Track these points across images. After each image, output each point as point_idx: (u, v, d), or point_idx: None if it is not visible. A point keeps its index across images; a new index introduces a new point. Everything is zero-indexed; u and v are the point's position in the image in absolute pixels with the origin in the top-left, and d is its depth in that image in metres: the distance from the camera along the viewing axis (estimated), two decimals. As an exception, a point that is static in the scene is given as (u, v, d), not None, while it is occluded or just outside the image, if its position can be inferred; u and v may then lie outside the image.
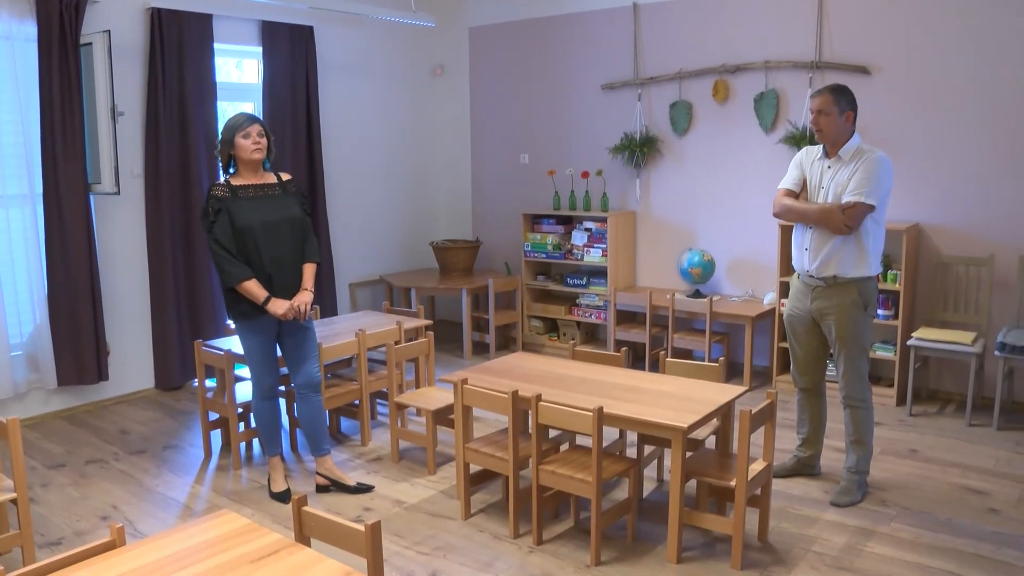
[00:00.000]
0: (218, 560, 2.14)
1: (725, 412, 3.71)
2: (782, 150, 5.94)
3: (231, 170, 4.00)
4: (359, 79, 7.20)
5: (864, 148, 3.87)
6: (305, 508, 2.37)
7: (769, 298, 6.06)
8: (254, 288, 3.85)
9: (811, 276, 3.99)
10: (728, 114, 6.22)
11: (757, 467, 3.48)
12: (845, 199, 3.79)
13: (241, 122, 3.90)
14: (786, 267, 5.81)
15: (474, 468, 3.91)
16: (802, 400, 4.27)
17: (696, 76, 6.29)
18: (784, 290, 5.78)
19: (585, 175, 6.86)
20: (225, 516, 2.43)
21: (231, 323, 4.25)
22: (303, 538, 2.38)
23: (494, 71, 7.54)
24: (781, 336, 5.85)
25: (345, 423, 5.22)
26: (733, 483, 3.36)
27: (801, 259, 4.03)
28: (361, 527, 2.18)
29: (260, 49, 6.32)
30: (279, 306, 3.89)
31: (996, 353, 4.93)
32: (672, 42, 6.41)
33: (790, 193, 4.05)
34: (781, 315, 5.76)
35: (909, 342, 5.21)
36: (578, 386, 3.77)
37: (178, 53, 5.70)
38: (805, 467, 4.31)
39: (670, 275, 6.67)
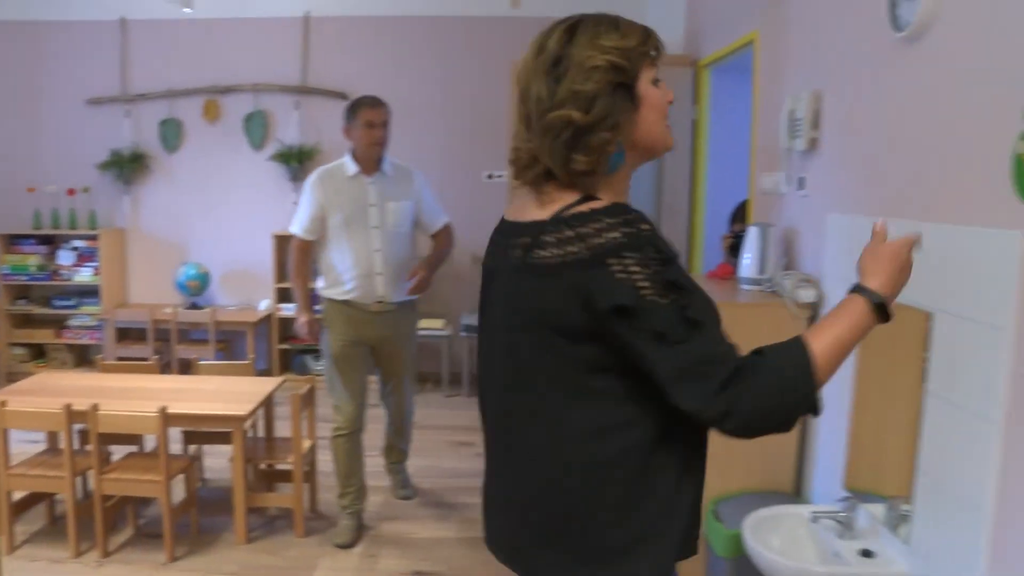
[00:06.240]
0: None
1: (267, 402, 4.09)
2: (272, 166, 6.46)
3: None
4: None
5: (396, 162, 3.78)
6: None
7: (264, 304, 6.52)
8: None
9: (382, 303, 3.71)
10: (219, 132, 6.52)
11: (305, 446, 3.94)
12: (441, 221, 3.92)
13: None
14: (281, 275, 6.33)
15: (17, 495, 3.68)
16: (352, 445, 3.79)
17: (187, 95, 6.46)
18: (279, 296, 6.27)
19: (71, 192, 6.53)
20: None
21: None
22: None
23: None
24: (279, 338, 6.39)
25: None
26: (290, 462, 3.78)
27: (371, 286, 3.66)
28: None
29: None
30: None
31: (461, 334, 6.08)
32: (162, 60, 6.48)
33: (308, 245, 3.71)
34: (279, 320, 6.30)
35: (397, 332, 6.12)
36: (123, 395, 3.79)
37: None
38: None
39: (165, 289, 6.69)
